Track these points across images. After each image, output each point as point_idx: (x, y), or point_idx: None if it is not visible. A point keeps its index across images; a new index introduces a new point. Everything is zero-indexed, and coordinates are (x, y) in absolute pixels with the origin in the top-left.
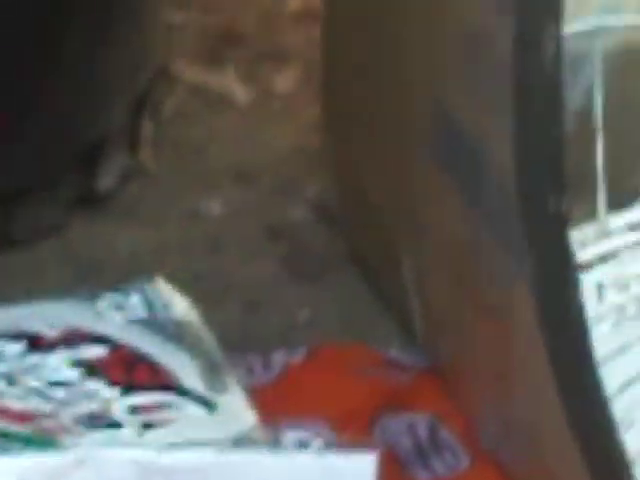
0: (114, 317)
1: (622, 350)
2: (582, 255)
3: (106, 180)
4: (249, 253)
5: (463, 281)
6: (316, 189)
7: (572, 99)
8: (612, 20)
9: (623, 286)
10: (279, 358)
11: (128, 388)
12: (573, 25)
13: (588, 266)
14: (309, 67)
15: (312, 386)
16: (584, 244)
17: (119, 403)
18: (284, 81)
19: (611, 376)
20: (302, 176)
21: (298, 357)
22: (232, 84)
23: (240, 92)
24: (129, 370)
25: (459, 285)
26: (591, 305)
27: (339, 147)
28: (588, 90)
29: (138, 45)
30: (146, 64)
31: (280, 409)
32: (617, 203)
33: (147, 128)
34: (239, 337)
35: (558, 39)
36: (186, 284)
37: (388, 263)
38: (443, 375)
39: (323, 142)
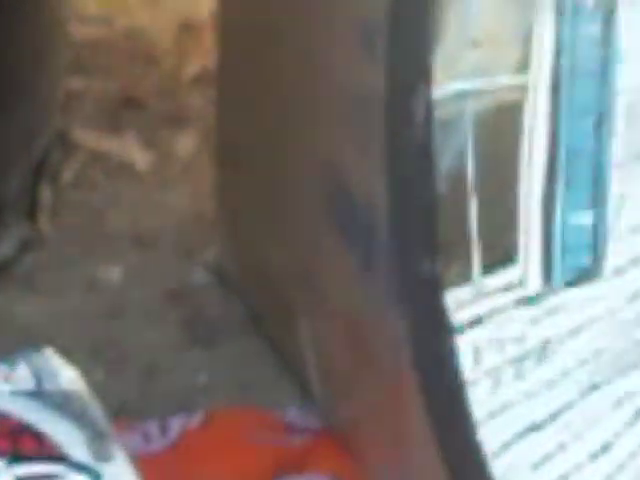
0: (1, 387)
1: (500, 412)
2: (458, 317)
3: (3, 248)
4: (149, 319)
5: (358, 343)
6: (216, 253)
7: (444, 162)
8: (483, 82)
9: (499, 348)
10: (176, 423)
11: (14, 459)
12: (444, 88)
13: (464, 328)
14: (209, 130)
15: (209, 451)
16: (459, 306)
17: (4, 474)
18: (184, 145)
19: (490, 437)
20: (202, 240)
21: (195, 422)
22: (132, 149)
23: (140, 157)
24: (15, 440)
25: (355, 348)
26: (468, 367)
27: (235, 211)
28: (460, 153)
29: (35, 111)
30: (44, 130)
31: (177, 474)
32: (492, 264)
33: (45, 195)
34: (138, 403)
35: (428, 103)
36: (85, 351)
37: (285, 326)
38: (342, 436)
39: (219, 207)
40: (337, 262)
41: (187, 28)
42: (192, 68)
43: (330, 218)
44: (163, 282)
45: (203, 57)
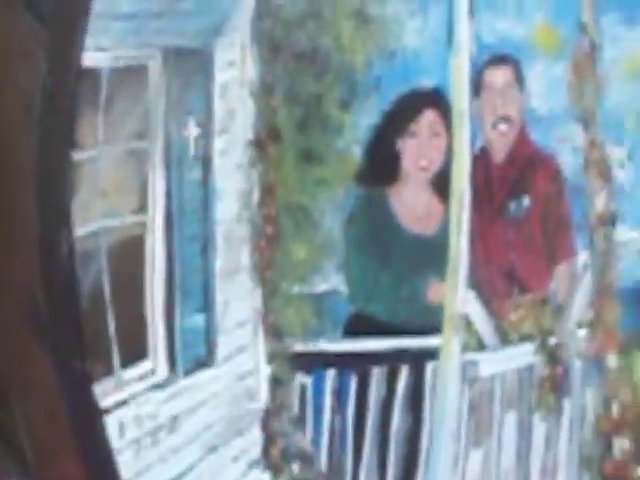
0: None
1: (142, 473)
2: (105, 402)
3: None
4: None
5: (58, 422)
6: None
7: (86, 284)
8: (112, 222)
9: (139, 423)
10: None
11: None
12: (81, 228)
13: (111, 410)
14: None
15: None
16: (106, 393)
17: None
18: None
19: None
20: None
21: None
22: None
23: None
24: None
25: (55, 427)
26: (115, 439)
27: None
28: (99, 277)
29: None
30: None
31: None
32: (128, 360)
33: None
34: None
35: (70, 240)
36: None
37: (6, 412)
38: None
39: None
40: (39, 361)
41: None
42: None
43: (31, 327)
44: None
45: None
